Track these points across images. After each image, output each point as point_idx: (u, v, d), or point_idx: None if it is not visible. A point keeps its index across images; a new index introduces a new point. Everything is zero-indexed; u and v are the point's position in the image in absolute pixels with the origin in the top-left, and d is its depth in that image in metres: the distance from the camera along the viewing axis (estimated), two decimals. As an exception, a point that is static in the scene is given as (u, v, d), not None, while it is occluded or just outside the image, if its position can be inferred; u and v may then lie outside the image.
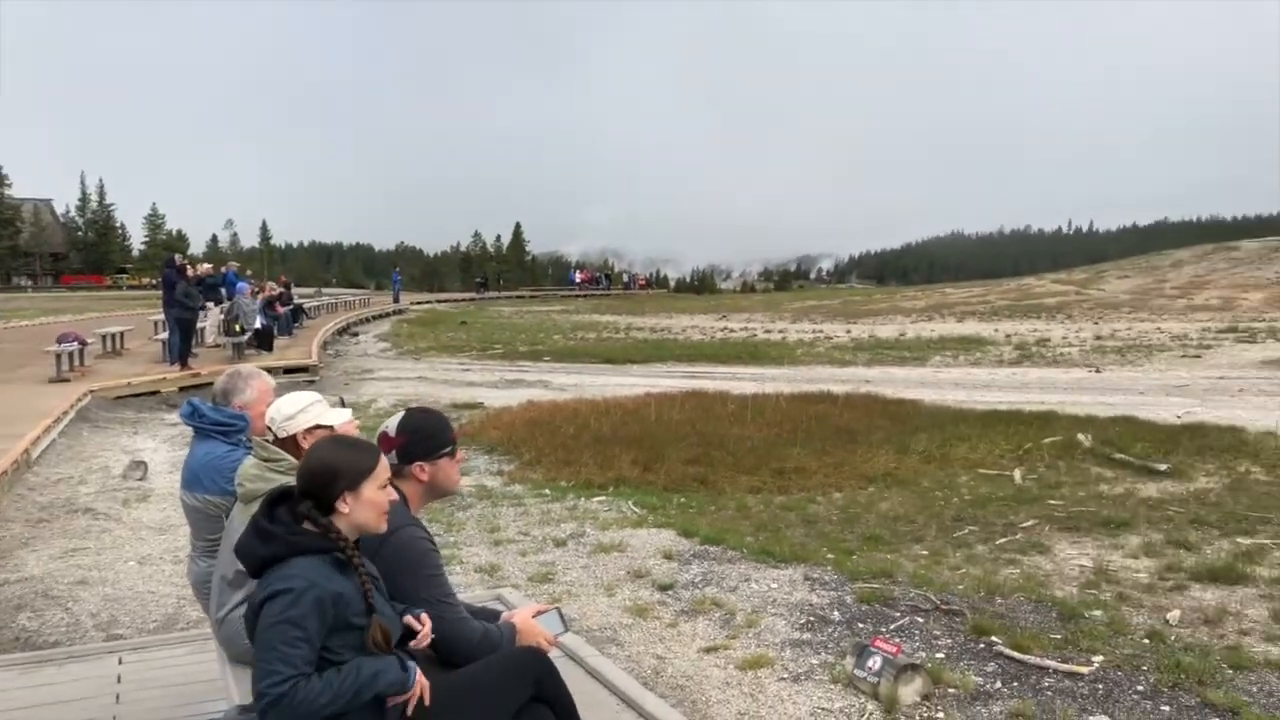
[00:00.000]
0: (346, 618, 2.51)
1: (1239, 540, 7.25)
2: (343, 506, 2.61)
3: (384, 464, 2.73)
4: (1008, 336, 32.40)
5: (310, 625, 2.43)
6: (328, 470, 2.62)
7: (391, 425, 3.15)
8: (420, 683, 2.68)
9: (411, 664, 2.68)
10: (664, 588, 6.35)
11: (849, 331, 36.42)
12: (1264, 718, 4.27)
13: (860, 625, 5.56)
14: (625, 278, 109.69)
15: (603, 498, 9.17)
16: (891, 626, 5.52)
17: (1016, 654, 5.00)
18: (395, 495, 2.81)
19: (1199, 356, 25.76)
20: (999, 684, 4.73)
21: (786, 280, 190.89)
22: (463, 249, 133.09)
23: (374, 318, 44.34)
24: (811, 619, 5.70)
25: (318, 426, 3.44)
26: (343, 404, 3.79)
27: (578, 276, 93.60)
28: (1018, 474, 10.16)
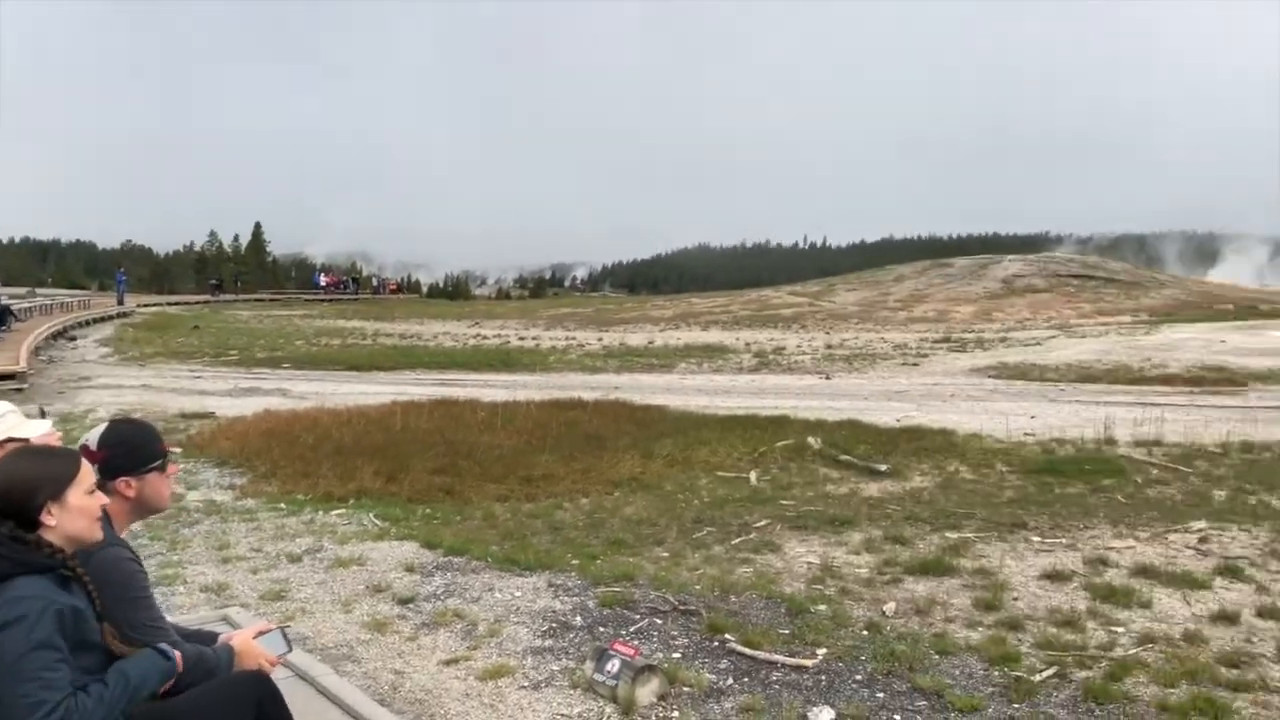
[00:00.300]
0: (84, 634, 2.37)
1: (947, 535, 7.87)
2: (48, 519, 2.43)
3: (87, 468, 2.57)
4: (748, 345, 33.92)
5: (60, 644, 2.28)
6: (23, 483, 2.42)
7: (93, 438, 2.91)
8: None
9: (164, 647, 2.59)
10: (404, 601, 6.20)
11: (601, 339, 37.02)
12: (964, 697, 4.66)
13: (602, 629, 5.64)
14: (375, 282, 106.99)
15: (342, 511, 8.86)
16: (631, 629, 5.63)
17: (748, 650, 5.22)
18: (106, 499, 2.64)
19: (917, 364, 27.89)
20: (731, 680, 4.92)
21: (541, 287, 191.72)
22: (197, 249, 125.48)
23: (95, 320, 41.23)
24: (554, 625, 5.72)
25: (10, 440, 3.13)
26: (43, 414, 3.48)
27: (323, 280, 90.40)
28: (753, 476, 10.64)
